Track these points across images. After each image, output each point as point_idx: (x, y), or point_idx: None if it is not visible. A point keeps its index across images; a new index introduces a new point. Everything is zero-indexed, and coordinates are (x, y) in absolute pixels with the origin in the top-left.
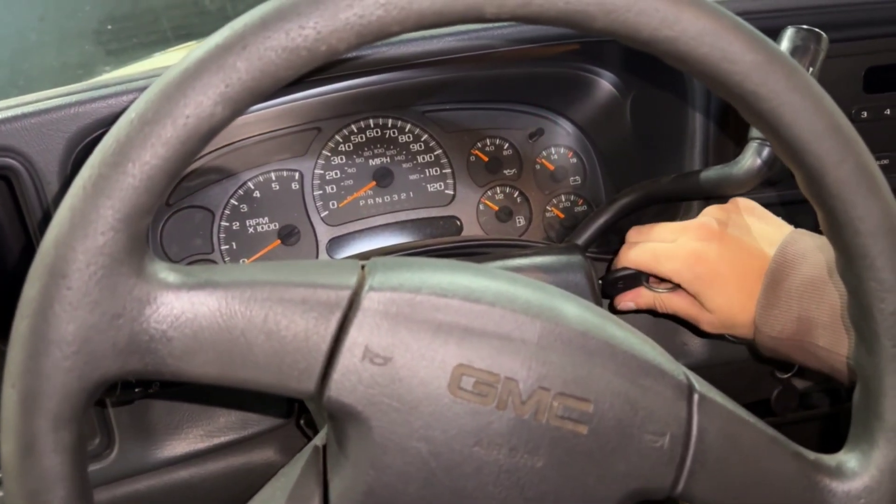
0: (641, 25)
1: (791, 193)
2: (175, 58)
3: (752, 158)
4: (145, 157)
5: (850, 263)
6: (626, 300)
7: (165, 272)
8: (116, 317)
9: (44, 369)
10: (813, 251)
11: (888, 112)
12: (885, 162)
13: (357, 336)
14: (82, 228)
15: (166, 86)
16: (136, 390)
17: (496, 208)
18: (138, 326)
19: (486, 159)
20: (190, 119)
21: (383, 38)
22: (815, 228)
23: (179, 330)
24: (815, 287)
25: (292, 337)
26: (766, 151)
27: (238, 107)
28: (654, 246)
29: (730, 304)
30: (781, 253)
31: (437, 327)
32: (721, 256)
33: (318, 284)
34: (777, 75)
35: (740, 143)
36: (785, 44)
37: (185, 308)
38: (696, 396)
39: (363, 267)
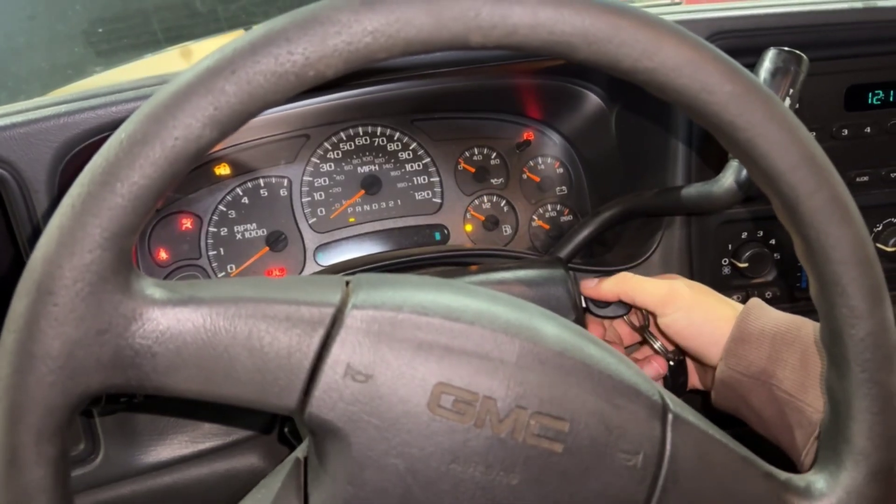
0: (622, 56)
1: (769, 209)
2: (165, 59)
3: (732, 177)
4: (133, 177)
5: (822, 290)
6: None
7: (151, 288)
8: (101, 332)
9: (28, 384)
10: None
11: (868, 130)
12: (865, 179)
13: (339, 353)
14: (70, 246)
15: (155, 107)
16: (122, 400)
17: (483, 217)
18: (123, 342)
19: (473, 169)
20: (178, 141)
21: (370, 64)
22: (793, 245)
23: (164, 345)
24: (789, 330)
25: (275, 354)
26: (745, 171)
27: (226, 129)
28: (632, 275)
29: (700, 331)
30: (756, 301)
31: (417, 346)
32: (695, 296)
33: (302, 301)
34: (754, 106)
35: (722, 160)
36: (766, 65)
37: (171, 324)
38: (670, 416)
39: (347, 283)
